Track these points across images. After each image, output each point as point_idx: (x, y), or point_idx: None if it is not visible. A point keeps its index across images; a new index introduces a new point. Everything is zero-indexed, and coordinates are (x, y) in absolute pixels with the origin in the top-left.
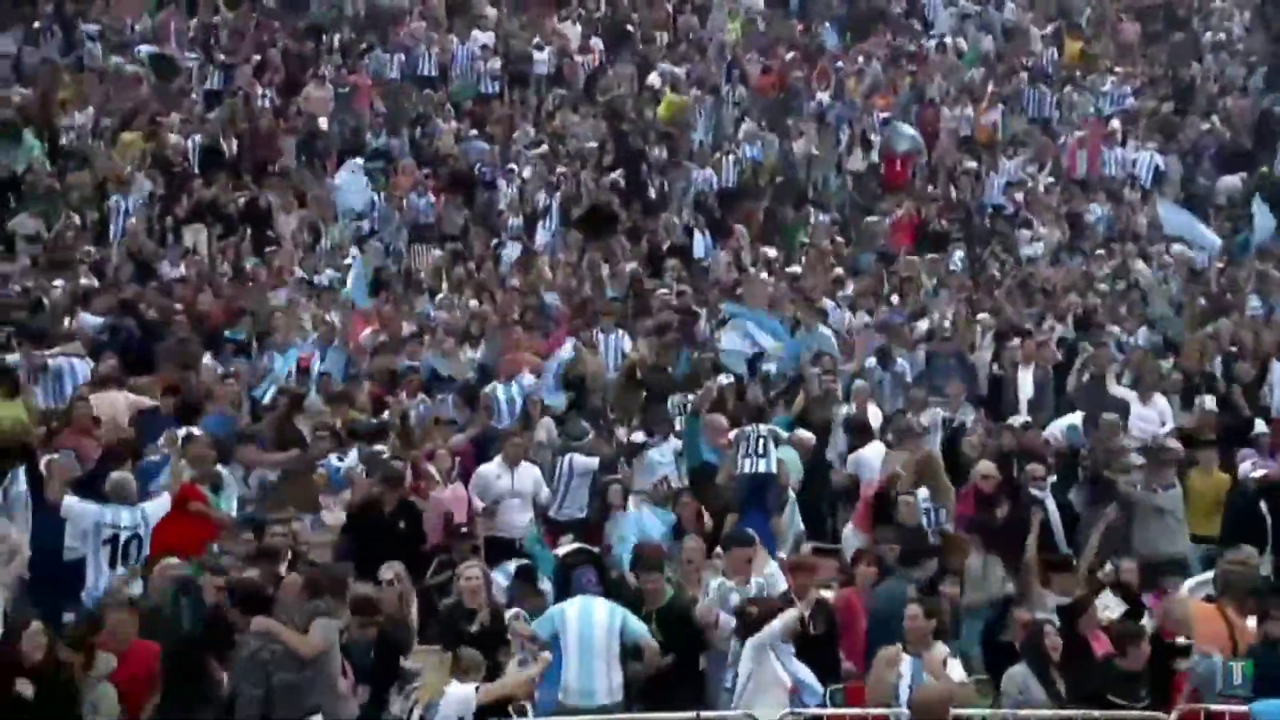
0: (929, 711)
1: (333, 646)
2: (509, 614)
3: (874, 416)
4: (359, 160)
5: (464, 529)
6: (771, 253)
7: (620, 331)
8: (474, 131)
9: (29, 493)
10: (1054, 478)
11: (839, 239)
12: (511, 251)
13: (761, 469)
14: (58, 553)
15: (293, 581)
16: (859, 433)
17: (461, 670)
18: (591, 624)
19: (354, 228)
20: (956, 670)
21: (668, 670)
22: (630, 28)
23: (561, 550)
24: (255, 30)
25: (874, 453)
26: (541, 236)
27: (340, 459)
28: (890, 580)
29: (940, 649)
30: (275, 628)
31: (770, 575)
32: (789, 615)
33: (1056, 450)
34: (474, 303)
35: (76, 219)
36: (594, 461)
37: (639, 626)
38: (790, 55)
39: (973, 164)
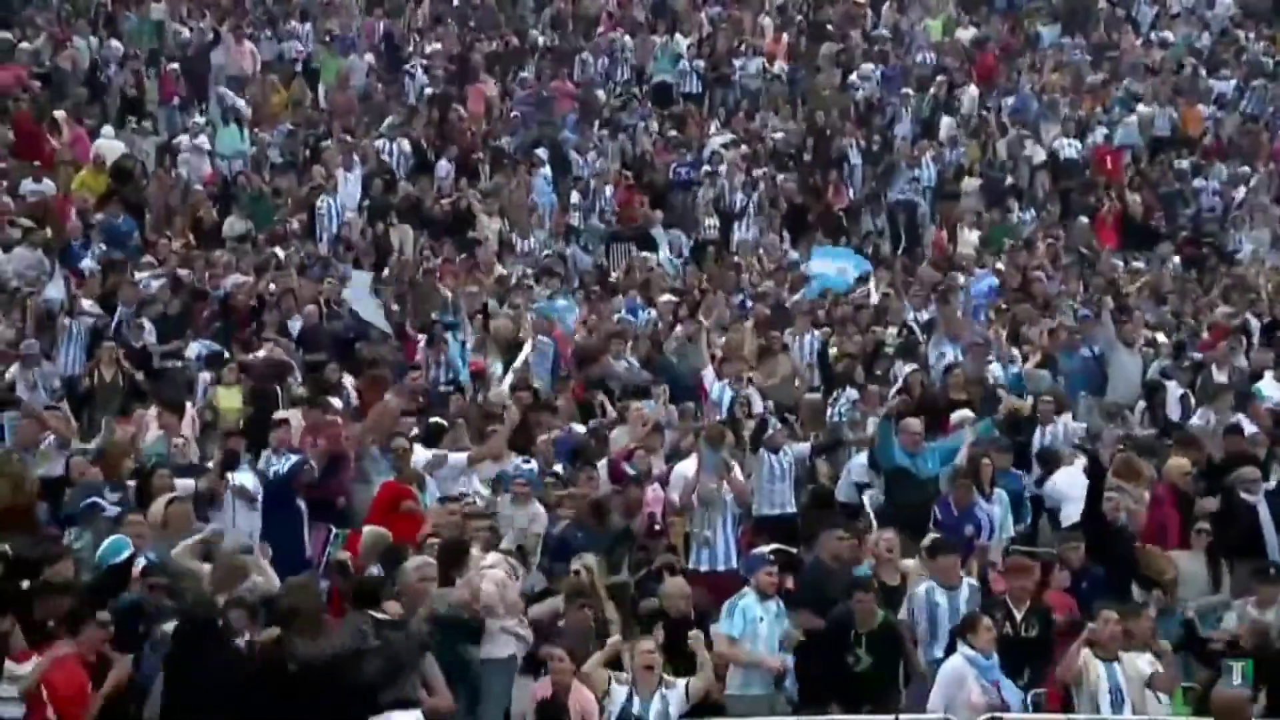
0: (1232, 714)
1: None
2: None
3: (1064, 425)
4: (547, 170)
5: (658, 528)
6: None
7: (815, 332)
8: (674, 132)
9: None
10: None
11: (1052, 238)
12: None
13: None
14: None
15: None
16: (1050, 462)
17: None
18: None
19: (548, 230)
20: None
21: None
22: (830, 26)
23: (760, 550)
24: (459, 33)
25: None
26: (738, 237)
27: (526, 462)
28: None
29: (1141, 655)
30: None
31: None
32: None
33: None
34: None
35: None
36: (790, 457)
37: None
38: (996, 52)
39: (1183, 163)
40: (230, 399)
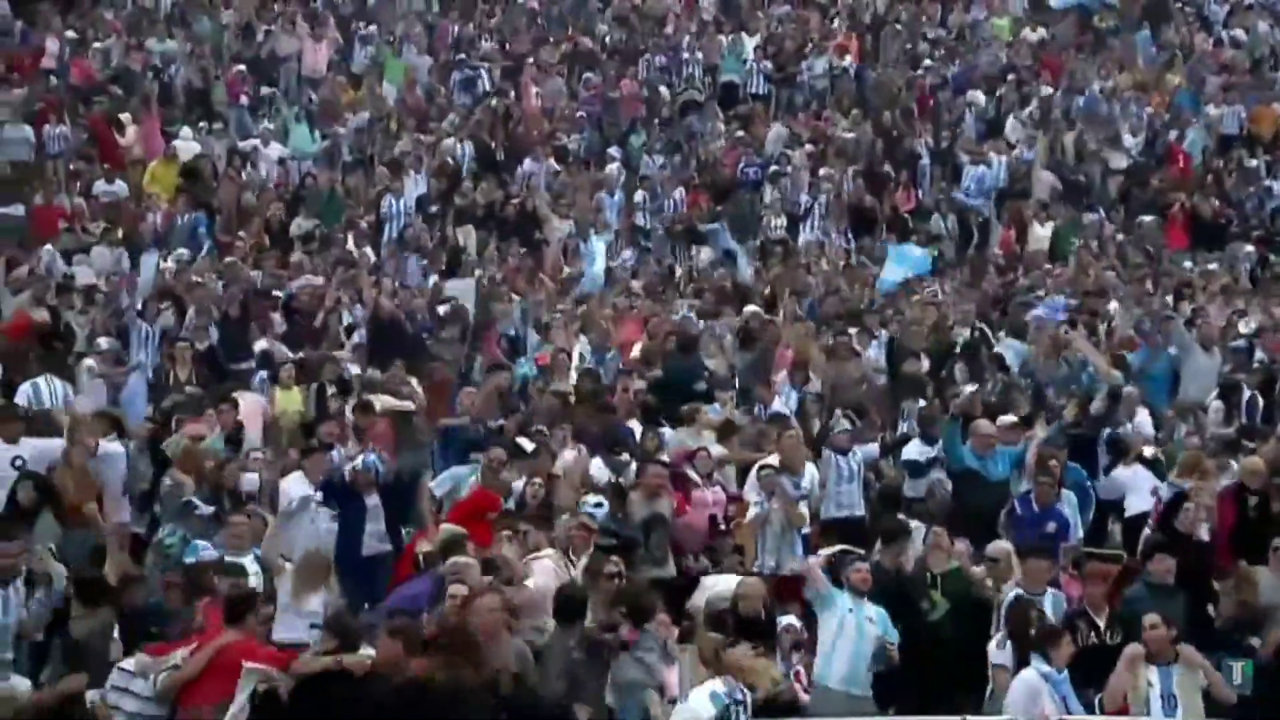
0: None
1: None
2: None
3: (1137, 424)
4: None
5: (723, 528)
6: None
7: (884, 333)
8: (740, 133)
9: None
10: None
11: (1120, 237)
12: None
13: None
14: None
15: None
16: (1119, 452)
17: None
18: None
19: (614, 230)
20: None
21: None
22: (899, 25)
23: (824, 552)
24: (527, 34)
25: (1131, 471)
26: (804, 237)
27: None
28: (1136, 587)
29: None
30: None
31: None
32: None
33: None
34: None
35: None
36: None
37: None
38: (1065, 51)
39: (1254, 161)
40: (289, 400)
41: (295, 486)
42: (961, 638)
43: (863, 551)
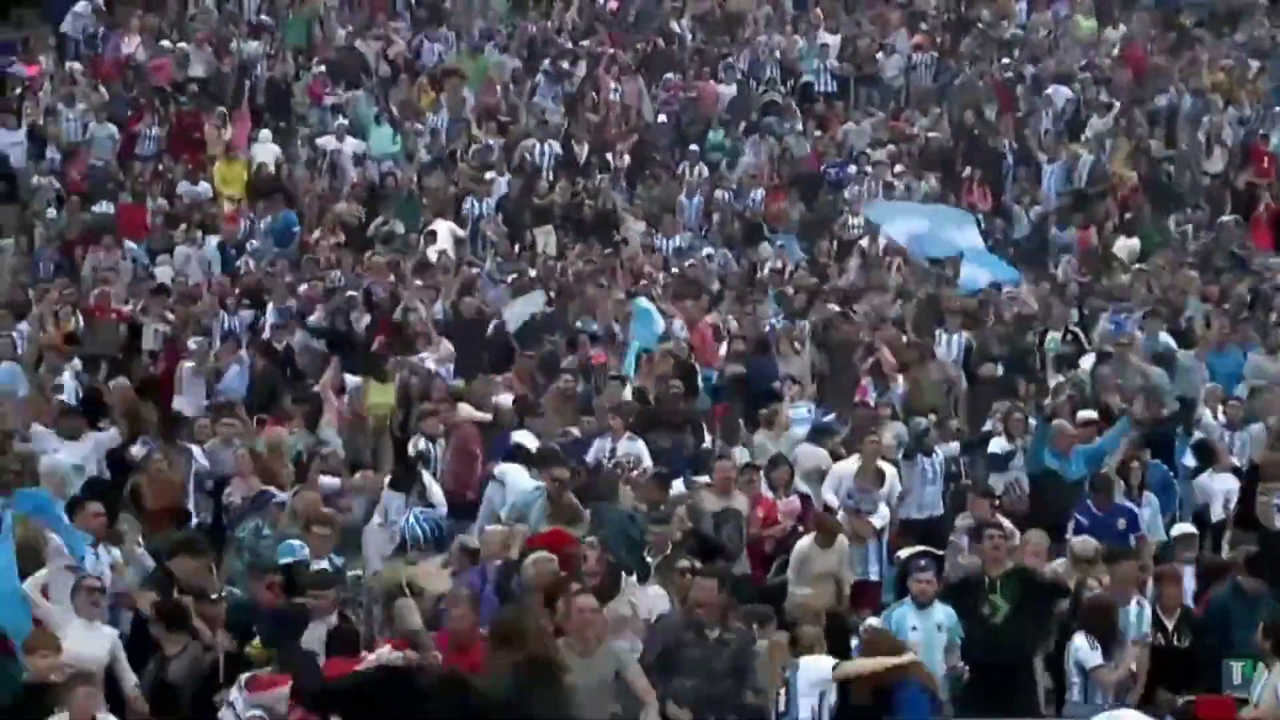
0: None
1: None
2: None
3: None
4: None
5: (801, 529)
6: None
7: (965, 333)
8: (819, 132)
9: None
10: None
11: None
12: None
13: None
14: None
15: None
16: (1206, 456)
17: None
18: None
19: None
20: None
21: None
22: (979, 24)
23: (905, 553)
24: (605, 33)
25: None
26: (884, 238)
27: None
28: (1223, 590)
29: None
30: None
31: None
32: None
33: None
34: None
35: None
36: (940, 458)
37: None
38: (1149, 50)
39: None
40: (381, 394)
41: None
42: (1023, 640)
43: (941, 553)
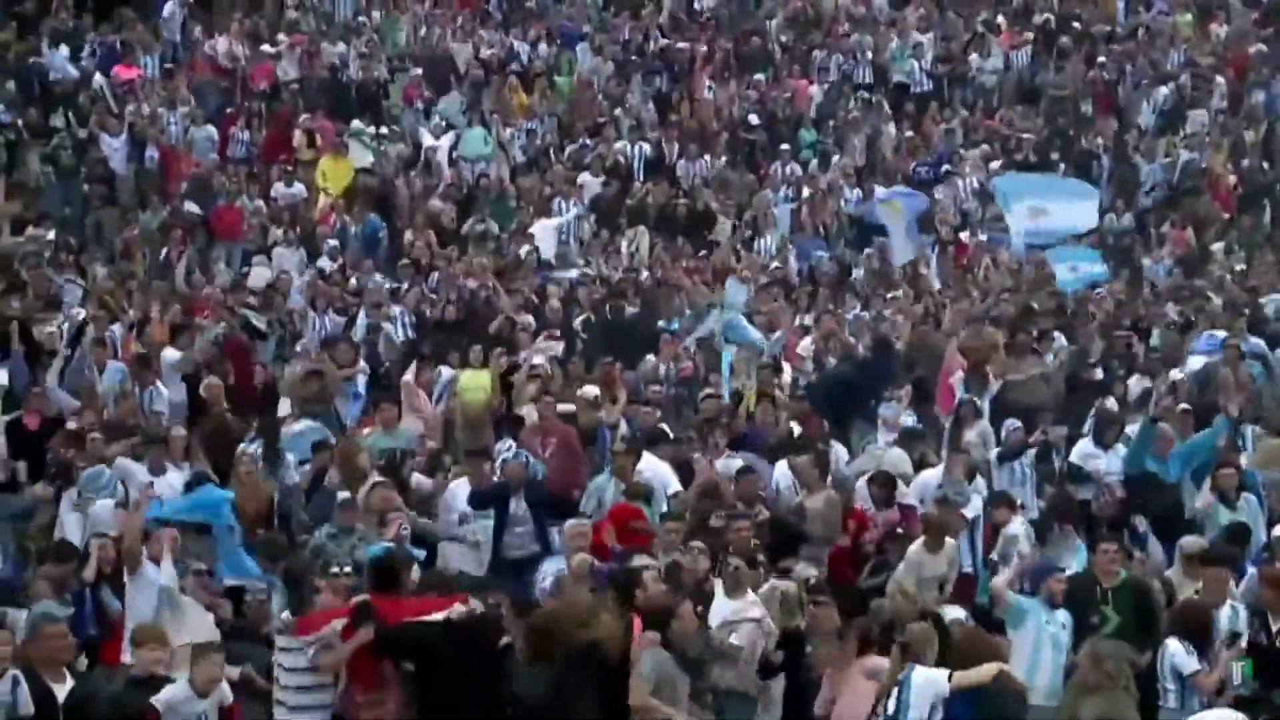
0: None
1: None
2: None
3: None
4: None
5: (900, 531)
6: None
7: (1058, 334)
8: (911, 132)
9: None
10: None
11: None
12: None
13: None
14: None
15: None
16: None
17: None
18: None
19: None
20: None
21: None
22: (1076, 23)
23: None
24: (698, 33)
25: None
26: (978, 238)
27: None
28: None
29: None
30: None
31: None
32: None
33: None
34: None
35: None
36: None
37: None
38: (1250, 47)
39: None
40: (477, 379)
41: (458, 498)
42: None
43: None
